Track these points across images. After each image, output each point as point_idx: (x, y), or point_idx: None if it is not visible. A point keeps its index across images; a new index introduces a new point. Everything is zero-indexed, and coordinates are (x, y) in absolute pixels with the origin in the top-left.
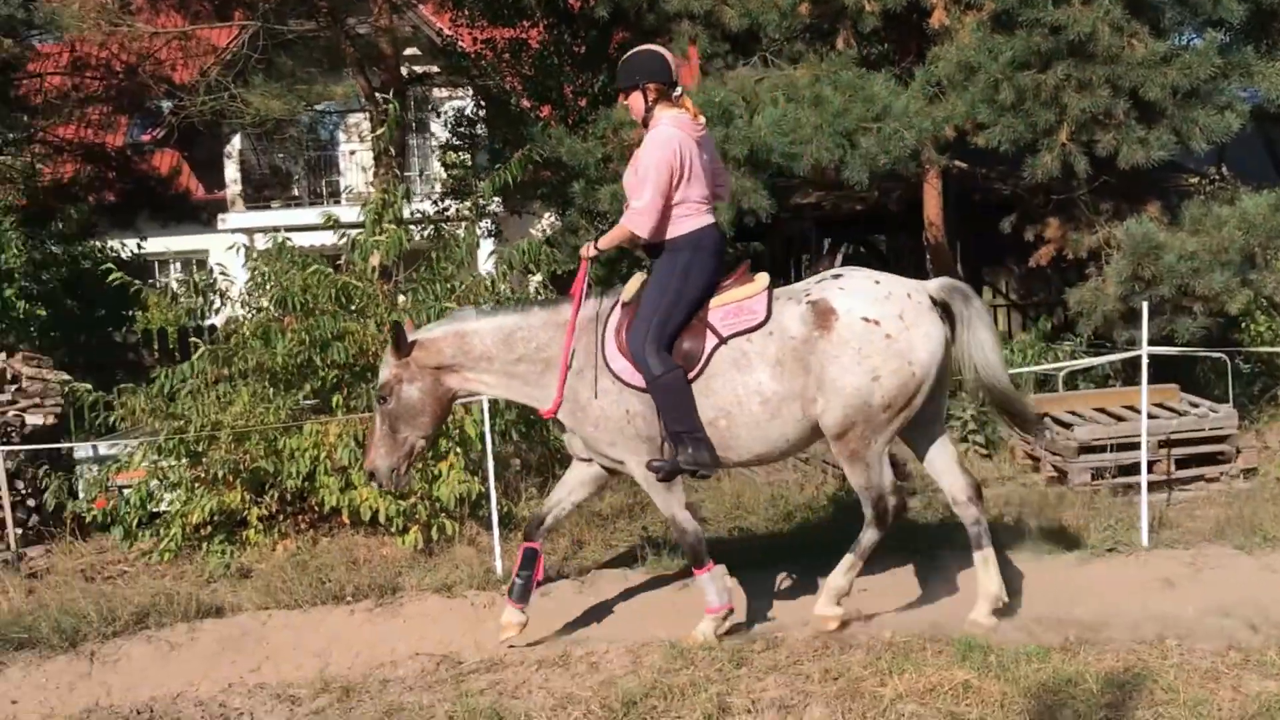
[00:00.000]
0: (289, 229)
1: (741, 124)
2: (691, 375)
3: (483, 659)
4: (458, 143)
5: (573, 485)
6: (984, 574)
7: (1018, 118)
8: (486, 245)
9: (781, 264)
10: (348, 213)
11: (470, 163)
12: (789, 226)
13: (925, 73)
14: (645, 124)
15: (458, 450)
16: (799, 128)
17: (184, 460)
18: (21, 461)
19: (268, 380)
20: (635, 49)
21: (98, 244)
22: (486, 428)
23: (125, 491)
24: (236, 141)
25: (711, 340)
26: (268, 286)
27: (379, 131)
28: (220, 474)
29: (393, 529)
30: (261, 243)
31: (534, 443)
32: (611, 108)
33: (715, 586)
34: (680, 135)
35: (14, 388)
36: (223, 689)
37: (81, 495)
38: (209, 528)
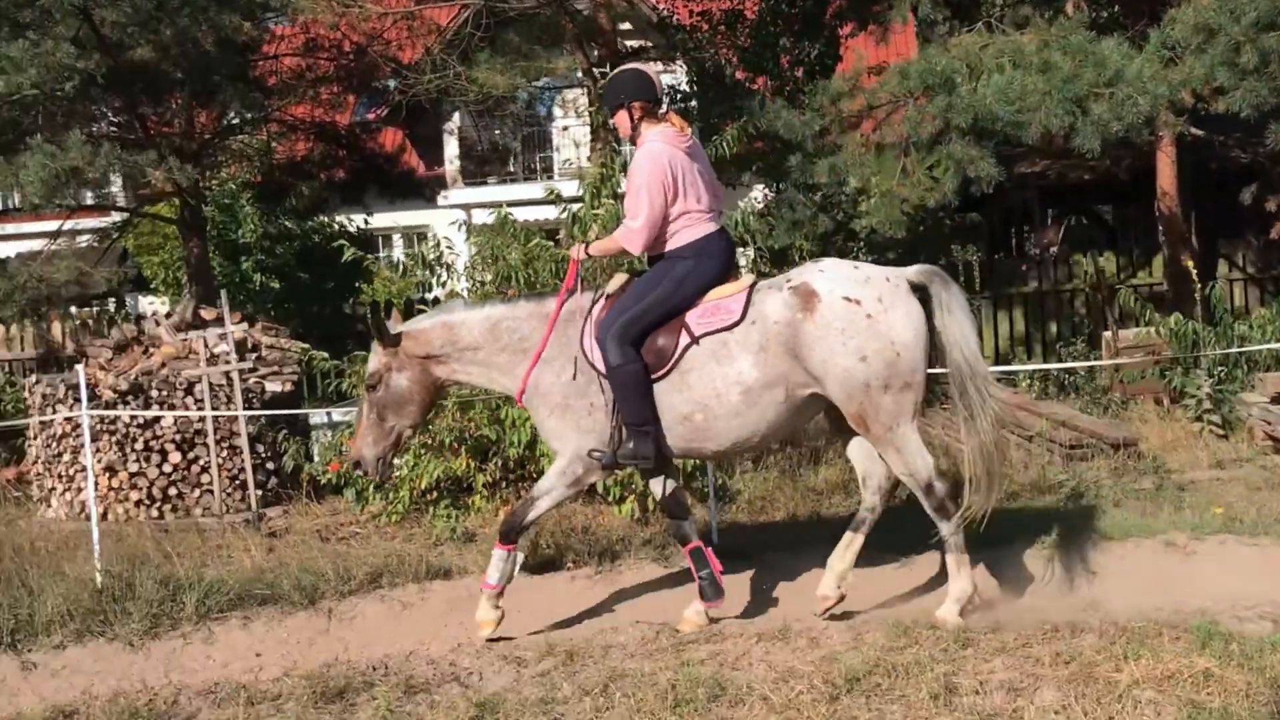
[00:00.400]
0: (506, 204)
1: (965, 92)
2: (662, 372)
3: (702, 629)
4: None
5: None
6: (839, 556)
7: (1261, 81)
8: None
9: (1001, 235)
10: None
11: None
12: (1011, 197)
13: (1160, 35)
14: (633, 141)
15: None
16: (1026, 95)
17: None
18: (262, 426)
19: None
20: (619, 69)
21: (327, 219)
22: None
23: None
24: (456, 119)
25: (684, 339)
26: (491, 260)
27: (597, 106)
28: (446, 441)
29: (610, 498)
30: (483, 218)
31: None
32: (829, 79)
33: (503, 566)
34: (669, 150)
35: (254, 356)
36: (452, 649)
37: (316, 459)
38: (435, 493)
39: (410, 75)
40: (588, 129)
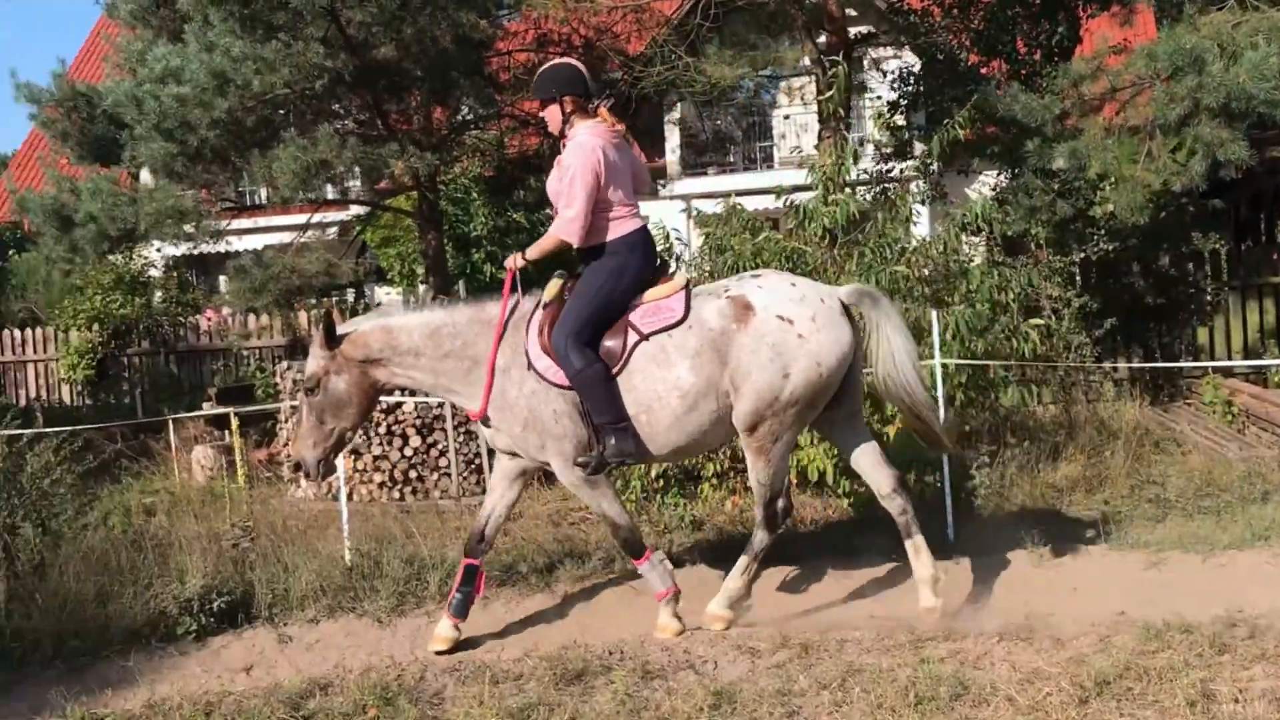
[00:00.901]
0: (726, 194)
1: (1216, 71)
2: (615, 371)
3: (940, 627)
4: (901, 103)
5: (501, 489)
6: (917, 561)
7: None
8: (923, 206)
9: (1249, 222)
10: (781, 177)
11: (907, 123)
12: (1260, 181)
13: None
14: (562, 134)
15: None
16: None
17: None
18: None
19: None
20: (550, 63)
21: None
22: (940, 392)
23: None
24: (676, 111)
25: (633, 337)
26: (719, 251)
27: (828, 94)
28: None
29: (839, 491)
30: (708, 208)
31: (981, 409)
32: (1068, 61)
33: (658, 573)
34: (600, 142)
35: None
36: (685, 636)
37: None
38: (664, 480)
39: (637, 68)
40: (814, 117)
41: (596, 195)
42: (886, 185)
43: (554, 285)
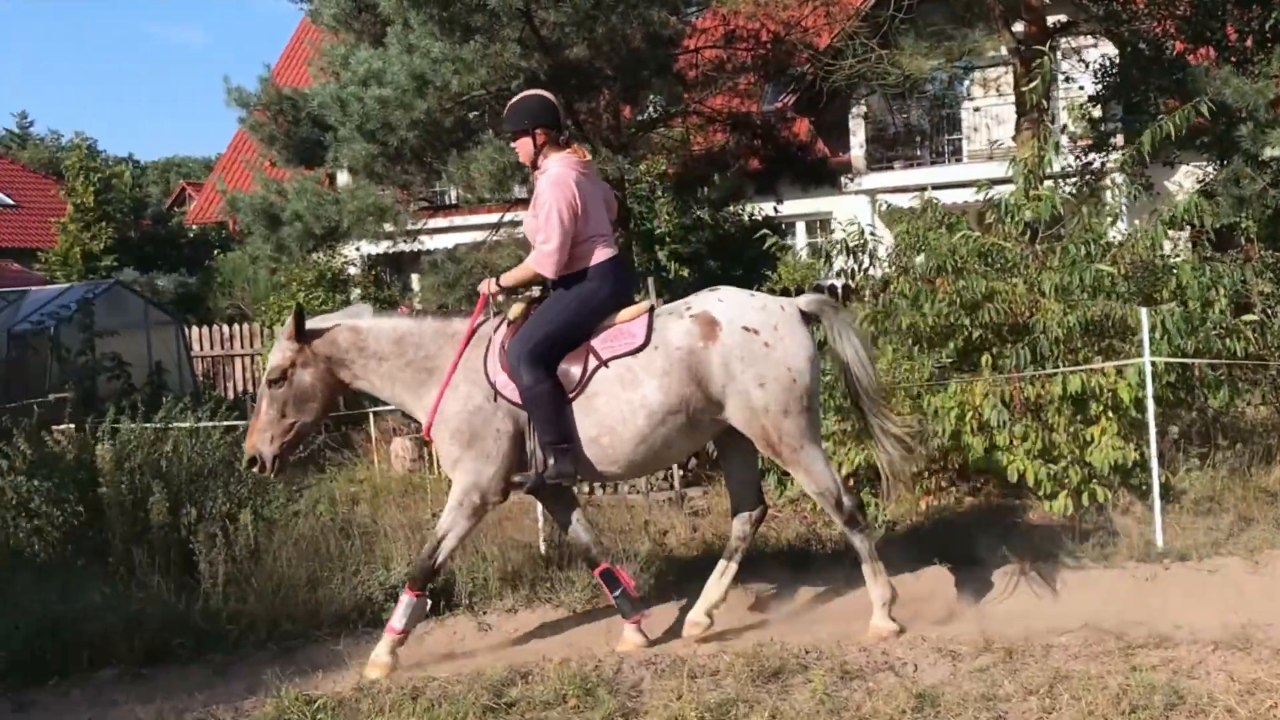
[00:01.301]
0: (913, 189)
1: None
2: (571, 395)
3: (1151, 634)
4: (1102, 94)
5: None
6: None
7: None
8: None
9: None
10: (970, 171)
11: (1104, 114)
12: None
13: None
14: (534, 167)
15: (1109, 415)
16: None
17: (832, 414)
18: None
19: (911, 339)
20: (523, 94)
21: (737, 209)
22: (1149, 392)
23: None
24: (861, 105)
25: (592, 362)
26: (916, 247)
27: (1030, 85)
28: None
29: (1040, 493)
30: (901, 202)
31: (1189, 409)
32: None
33: (410, 612)
34: (574, 174)
35: None
36: (881, 638)
37: None
38: (853, 480)
39: (826, 61)
40: (1006, 109)
41: (572, 230)
42: (1088, 179)
43: (519, 305)
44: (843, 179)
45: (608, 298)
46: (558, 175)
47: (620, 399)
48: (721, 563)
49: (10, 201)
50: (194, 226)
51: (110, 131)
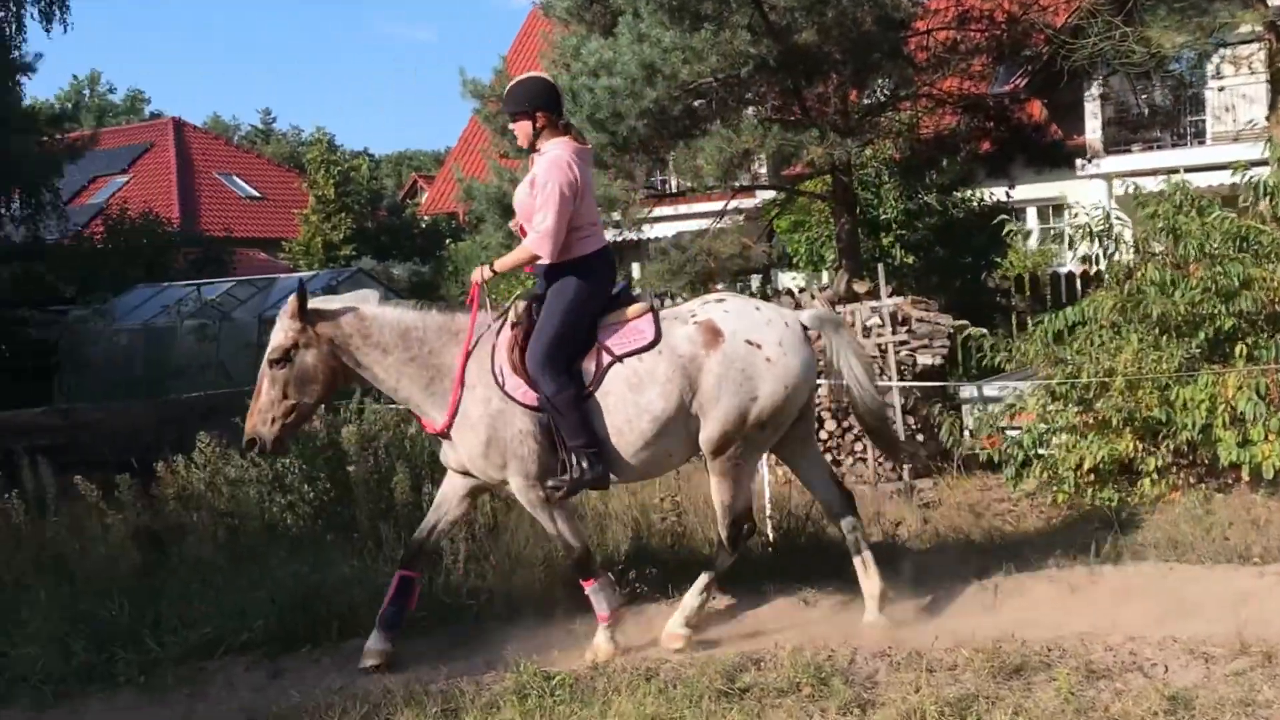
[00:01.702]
0: (1152, 172)
1: None
2: (588, 392)
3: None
4: None
5: (449, 504)
6: (865, 578)
7: None
8: None
9: None
10: (1215, 153)
11: None
12: None
13: None
14: (532, 149)
15: None
16: None
17: (1074, 406)
18: (915, 399)
19: (1158, 328)
20: (524, 76)
21: (969, 193)
22: None
23: (1013, 433)
24: (1100, 85)
25: (606, 358)
26: (1165, 233)
27: None
28: (1113, 420)
29: None
30: (1125, 187)
31: None
32: None
33: (604, 595)
34: (573, 157)
35: (905, 329)
36: (1128, 637)
37: (968, 434)
38: (1093, 474)
39: (1064, 40)
40: (1257, 88)
41: (568, 212)
42: None
43: (519, 305)
44: (1078, 162)
45: (603, 286)
46: (557, 157)
47: (628, 401)
48: (855, 560)
49: (257, 194)
50: (426, 217)
51: (347, 126)
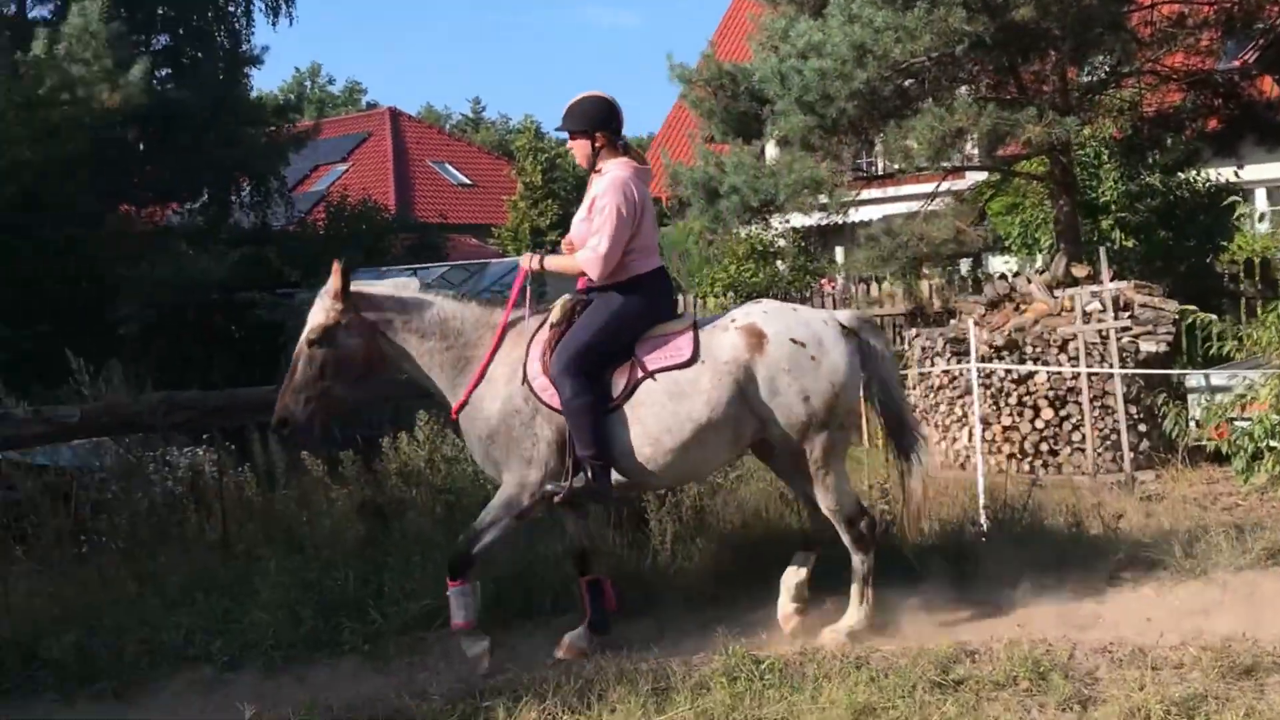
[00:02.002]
0: None
1: None
2: (614, 405)
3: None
4: None
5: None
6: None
7: None
8: None
9: None
10: None
11: None
12: None
13: None
14: (591, 169)
15: None
16: None
17: None
18: (1137, 387)
19: None
20: (583, 96)
21: (1190, 174)
22: None
23: (1243, 424)
24: None
25: (638, 373)
26: None
27: None
28: None
29: None
30: None
31: None
32: None
33: (464, 602)
34: (634, 181)
35: (1127, 314)
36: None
37: (1194, 424)
38: None
39: None
40: None
41: (625, 236)
42: None
43: (562, 304)
44: None
45: (650, 310)
46: (618, 179)
47: (667, 410)
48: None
49: (468, 181)
50: None
51: (554, 114)
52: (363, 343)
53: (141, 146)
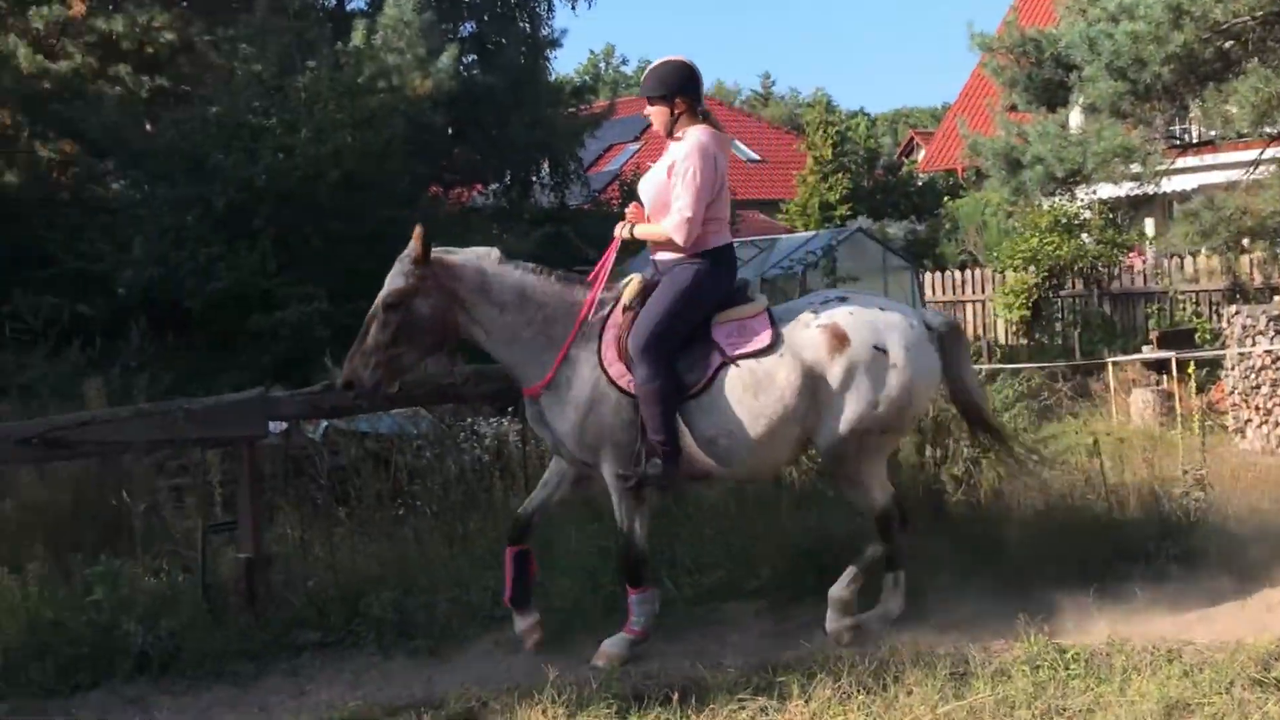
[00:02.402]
0: None
1: None
2: (695, 391)
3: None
4: None
5: (558, 484)
6: (890, 595)
7: None
8: None
9: None
10: None
11: None
12: None
13: None
14: (670, 136)
15: None
16: None
17: None
18: None
19: None
20: (663, 60)
21: None
22: None
23: None
24: None
25: (716, 359)
26: None
27: None
28: None
29: None
30: None
31: None
32: None
33: (644, 610)
34: (716, 147)
35: None
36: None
37: None
38: None
39: None
40: None
41: (706, 202)
42: None
43: (634, 285)
44: None
45: (723, 286)
46: (701, 144)
47: (745, 403)
48: (849, 570)
49: (757, 157)
50: (923, 175)
51: (844, 86)
52: (439, 310)
53: (449, 131)
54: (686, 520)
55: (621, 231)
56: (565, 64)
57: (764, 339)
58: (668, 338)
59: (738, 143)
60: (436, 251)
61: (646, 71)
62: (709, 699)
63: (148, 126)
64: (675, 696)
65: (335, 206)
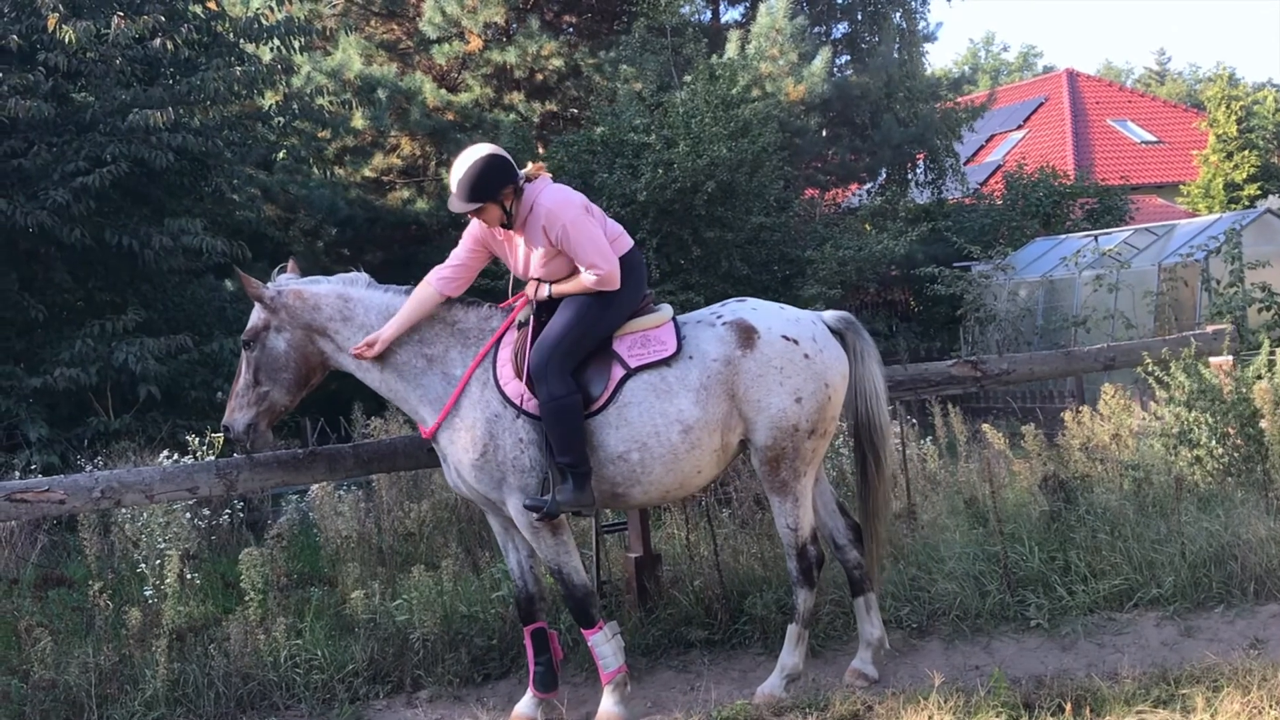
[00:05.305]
0: None
1: None
2: (597, 406)
3: None
4: None
5: (514, 540)
6: (866, 621)
7: None
8: None
9: None
10: None
11: None
12: None
13: None
14: (507, 227)
15: None
16: None
17: None
18: None
19: None
20: (466, 167)
21: None
22: None
23: None
24: None
25: (619, 371)
26: None
27: None
28: None
29: None
30: None
31: None
32: None
33: (610, 647)
34: (557, 189)
35: None
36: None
37: None
38: None
39: None
40: None
41: (601, 234)
42: None
43: (530, 306)
44: None
45: (635, 293)
46: (557, 195)
47: (655, 410)
48: (858, 601)
49: (1152, 138)
50: None
51: (1251, 58)
52: (292, 345)
53: (823, 132)
54: (1080, 525)
55: (535, 293)
56: (943, 55)
57: (669, 347)
58: (573, 354)
59: (1129, 123)
60: (296, 283)
61: (455, 183)
62: (1104, 710)
63: (539, 150)
64: (1068, 707)
65: (711, 215)
